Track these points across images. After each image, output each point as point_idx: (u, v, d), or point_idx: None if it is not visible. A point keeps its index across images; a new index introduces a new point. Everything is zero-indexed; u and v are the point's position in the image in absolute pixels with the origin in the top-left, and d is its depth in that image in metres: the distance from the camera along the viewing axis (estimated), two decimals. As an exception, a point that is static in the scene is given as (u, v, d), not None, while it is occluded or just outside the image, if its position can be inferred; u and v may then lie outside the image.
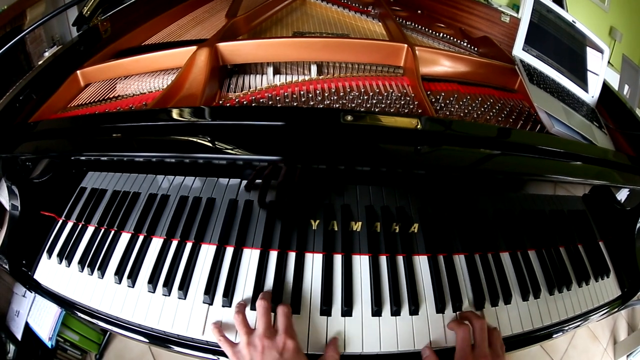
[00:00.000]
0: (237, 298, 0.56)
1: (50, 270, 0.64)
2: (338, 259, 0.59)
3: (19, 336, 0.95)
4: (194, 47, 0.72)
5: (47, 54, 1.33)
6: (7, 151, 0.58)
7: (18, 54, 1.28)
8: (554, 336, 0.63)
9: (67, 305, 0.62)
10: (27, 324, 0.96)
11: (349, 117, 0.51)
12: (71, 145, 0.57)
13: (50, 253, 0.65)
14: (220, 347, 0.52)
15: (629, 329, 1.41)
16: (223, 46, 0.73)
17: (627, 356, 1.30)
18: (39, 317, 0.95)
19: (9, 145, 0.58)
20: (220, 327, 0.53)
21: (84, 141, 0.57)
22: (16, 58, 1.28)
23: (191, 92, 0.65)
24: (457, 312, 0.57)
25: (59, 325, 0.95)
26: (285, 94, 0.70)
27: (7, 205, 0.67)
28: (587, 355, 1.29)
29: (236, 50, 0.74)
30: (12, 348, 0.94)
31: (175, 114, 0.54)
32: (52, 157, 0.61)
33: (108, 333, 1.05)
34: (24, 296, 0.97)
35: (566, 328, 0.64)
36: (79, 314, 0.61)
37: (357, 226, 0.59)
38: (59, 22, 1.43)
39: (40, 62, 0.84)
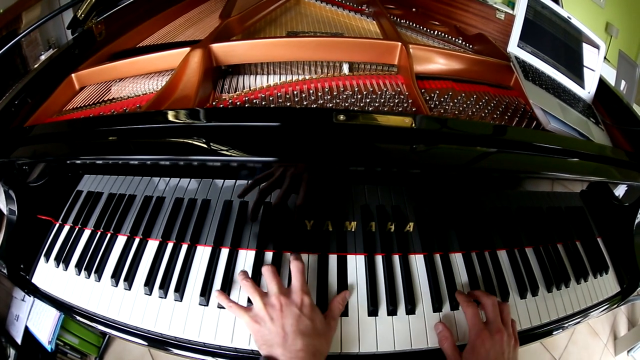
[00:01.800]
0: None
1: (48, 274, 0.64)
2: (333, 259, 0.59)
3: (19, 340, 0.96)
4: (188, 49, 0.72)
5: (43, 57, 1.33)
6: (3, 156, 0.58)
7: (14, 57, 1.28)
8: (553, 333, 0.63)
9: (65, 308, 0.62)
10: (26, 328, 0.96)
11: (342, 117, 0.50)
12: (66, 150, 0.57)
13: (47, 257, 0.65)
14: (216, 349, 0.52)
15: (629, 325, 1.41)
16: (216, 47, 0.73)
17: (628, 352, 1.29)
18: (39, 321, 0.96)
19: (5, 150, 0.58)
20: (226, 294, 0.54)
21: (78, 145, 0.57)
22: (12, 62, 1.28)
23: (185, 94, 0.65)
24: (468, 292, 0.58)
25: (59, 328, 0.95)
26: (279, 94, 0.69)
27: (4, 210, 0.67)
28: (588, 352, 1.28)
29: (230, 51, 0.74)
30: (12, 352, 0.94)
31: (167, 116, 0.54)
32: (48, 161, 0.61)
33: (107, 336, 1.05)
34: (23, 300, 0.98)
35: (565, 325, 0.64)
36: (78, 318, 0.61)
37: (351, 226, 0.59)
38: (55, 25, 1.43)
39: (36, 66, 0.84)
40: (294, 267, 0.53)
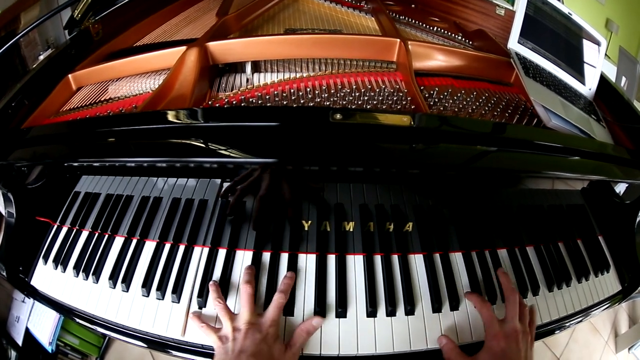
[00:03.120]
0: (230, 300, 0.55)
1: (46, 276, 0.64)
2: (332, 260, 0.58)
3: (19, 342, 0.96)
4: (184, 47, 0.71)
5: (41, 57, 1.32)
6: (0, 159, 0.57)
7: (13, 58, 1.28)
8: (555, 333, 0.62)
9: (64, 310, 0.62)
10: (27, 329, 0.96)
11: (338, 116, 0.49)
12: (63, 152, 0.57)
13: (46, 259, 0.65)
14: (214, 351, 0.52)
15: (630, 322, 1.41)
16: (213, 45, 0.72)
17: (629, 349, 1.29)
18: (39, 322, 0.96)
19: (3, 152, 0.57)
20: (200, 316, 0.54)
21: (75, 147, 0.56)
22: (11, 62, 1.27)
23: (181, 93, 0.64)
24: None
25: (59, 329, 0.96)
26: (275, 92, 0.69)
27: (3, 212, 0.66)
28: (589, 349, 1.28)
29: (226, 49, 0.73)
30: (13, 354, 0.95)
31: (162, 117, 0.53)
32: (46, 164, 0.61)
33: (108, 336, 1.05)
34: (23, 302, 0.98)
35: (567, 324, 0.63)
36: (77, 320, 0.60)
37: (349, 226, 0.58)
38: (53, 25, 1.42)
39: (33, 66, 0.83)
40: (275, 300, 0.53)
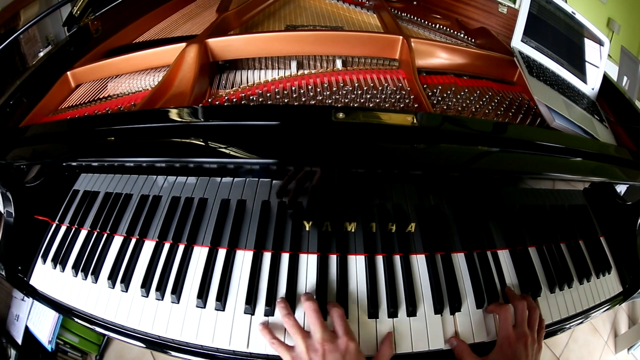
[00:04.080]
0: (230, 301, 0.55)
1: (45, 275, 0.64)
2: (333, 260, 0.58)
3: (19, 340, 0.96)
4: (184, 44, 0.70)
5: (41, 54, 1.32)
6: None
7: (13, 55, 1.27)
8: (558, 333, 0.62)
9: (63, 310, 0.61)
10: (27, 328, 0.96)
11: (341, 115, 0.49)
12: (62, 150, 0.56)
13: (44, 258, 0.64)
14: (214, 352, 0.52)
15: (629, 322, 1.41)
16: (213, 42, 0.71)
17: (628, 350, 1.29)
18: (39, 321, 0.96)
19: (1, 151, 0.56)
20: (270, 329, 0.52)
21: (74, 146, 0.56)
22: (12, 59, 1.26)
23: (180, 90, 0.64)
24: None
25: (59, 328, 0.95)
26: (277, 90, 0.68)
27: (2, 211, 0.66)
28: (588, 349, 1.28)
29: (226, 46, 0.72)
30: (13, 352, 0.94)
31: (160, 115, 0.53)
32: (44, 163, 0.60)
33: (107, 335, 1.05)
34: (22, 300, 0.98)
35: (567, 326, 0.63)
36: (76, 319, 0.60)
37: (351, 226, 0.58)
38: (53, 21, 1.41)
39: (32, 63, 0.83)
40: (335, 313, 0.51)
